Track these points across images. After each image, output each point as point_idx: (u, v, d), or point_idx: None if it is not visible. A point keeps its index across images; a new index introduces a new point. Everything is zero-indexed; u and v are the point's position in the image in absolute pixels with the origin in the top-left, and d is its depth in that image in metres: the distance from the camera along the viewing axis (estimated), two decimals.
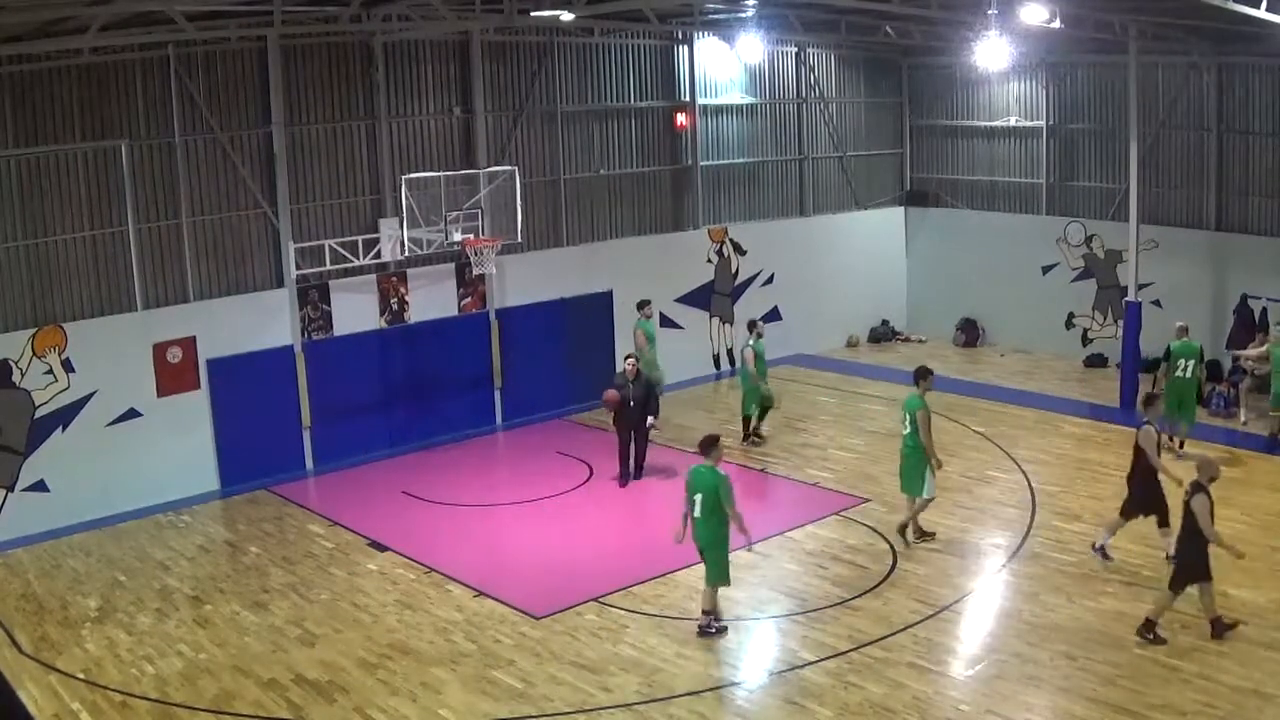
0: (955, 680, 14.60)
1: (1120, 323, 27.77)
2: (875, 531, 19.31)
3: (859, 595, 16.96)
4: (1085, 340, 30.42)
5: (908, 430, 18.60)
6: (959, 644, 15.68)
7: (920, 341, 32.96)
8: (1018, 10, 20.92)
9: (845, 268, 31.94)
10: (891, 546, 18.64)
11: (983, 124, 32.71)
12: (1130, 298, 26.82)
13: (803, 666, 14.98)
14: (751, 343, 24.15)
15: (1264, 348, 24.51)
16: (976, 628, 16.18)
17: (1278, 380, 23.98)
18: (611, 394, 21.64)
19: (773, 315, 30.50)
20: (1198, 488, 15.12)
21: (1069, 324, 29.73)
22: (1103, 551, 17.88)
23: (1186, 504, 15.19)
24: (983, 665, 14.95)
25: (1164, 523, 17.36)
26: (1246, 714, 13.64)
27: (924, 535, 18.91)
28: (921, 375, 18.91)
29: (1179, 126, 28.82)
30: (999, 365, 26.20)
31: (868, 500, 20.76)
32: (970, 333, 32.39)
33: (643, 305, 25.57)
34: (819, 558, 18.45)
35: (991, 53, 22.25)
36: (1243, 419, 24.87)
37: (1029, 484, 21.30)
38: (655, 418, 22.53)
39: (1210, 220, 28.68)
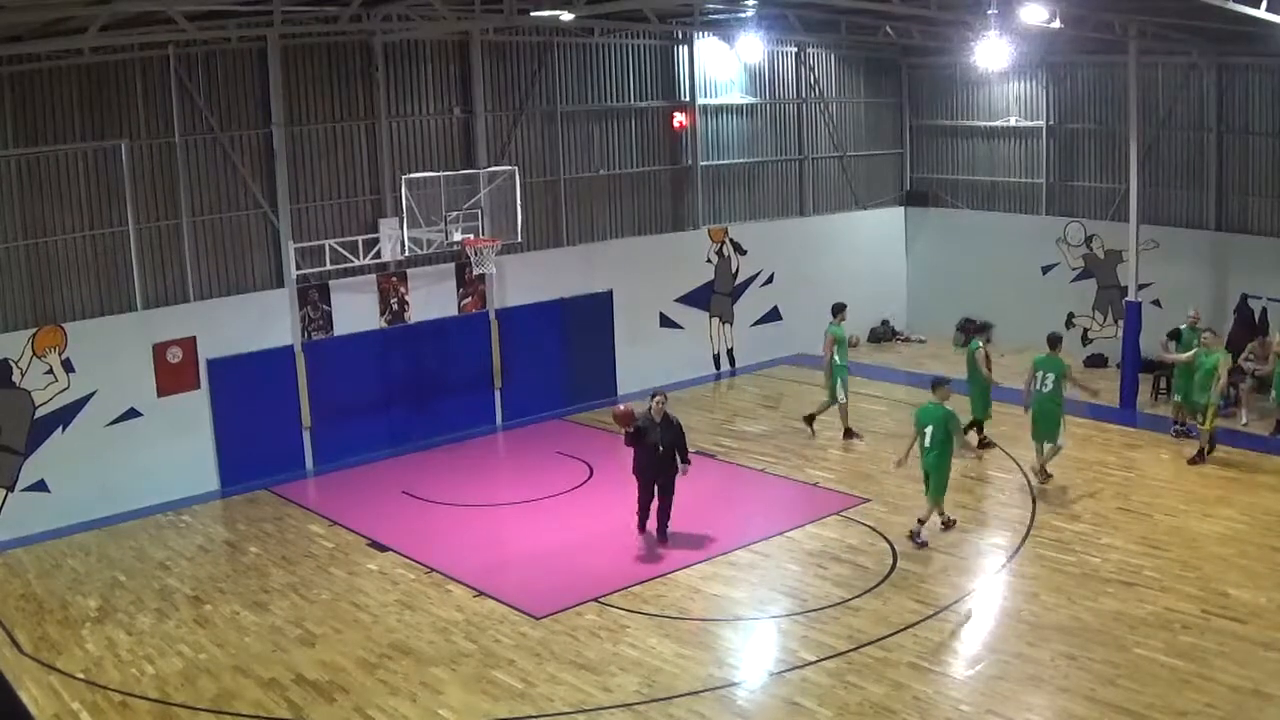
0: (955, 680, 14.59)
1: (1120, 323, 27.78)
2: (875, 531, 19.31)
3: (859, 595, 16.95)
4: (1085, 340, 30.40)
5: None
6: (959, 644, 15.68)
7: (920, 342, 32.95)
8: (1018, 10, 20.93)
9: (845, 268, 31.85)
10: (892, 546, 18.64)
11: (983, 124, 32.72)
12: (1130, 298, 26.83)
13: (803, 666, 14.97)
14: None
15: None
16: (977, 627, 16.18)
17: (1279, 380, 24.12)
18: (621, 409, 19.85)
19: (772, 315, 30.59)
20: None
21: (1069, 324, 29.69)
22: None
23: None
24: (983, 665, 14.95)
25: None
26: (1247, 714, 13.63)
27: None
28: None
29: (1179, 127, 28.82)
30: (999, 365, 26.14)
31: (868, 500, 20.76)
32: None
33: (838, 311, 25.12)
34: (819, 558, 18.43)
35: (991, 53, 22.23)
36: (1243, 419, 24.86)
37: (1029, 484, 21.29)
38: (686, 464, 19.41)
39: (1210, 220, 28.68)
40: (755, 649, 15.97)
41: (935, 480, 19.09)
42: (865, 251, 32.99)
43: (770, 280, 30.89)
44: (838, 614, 16.41)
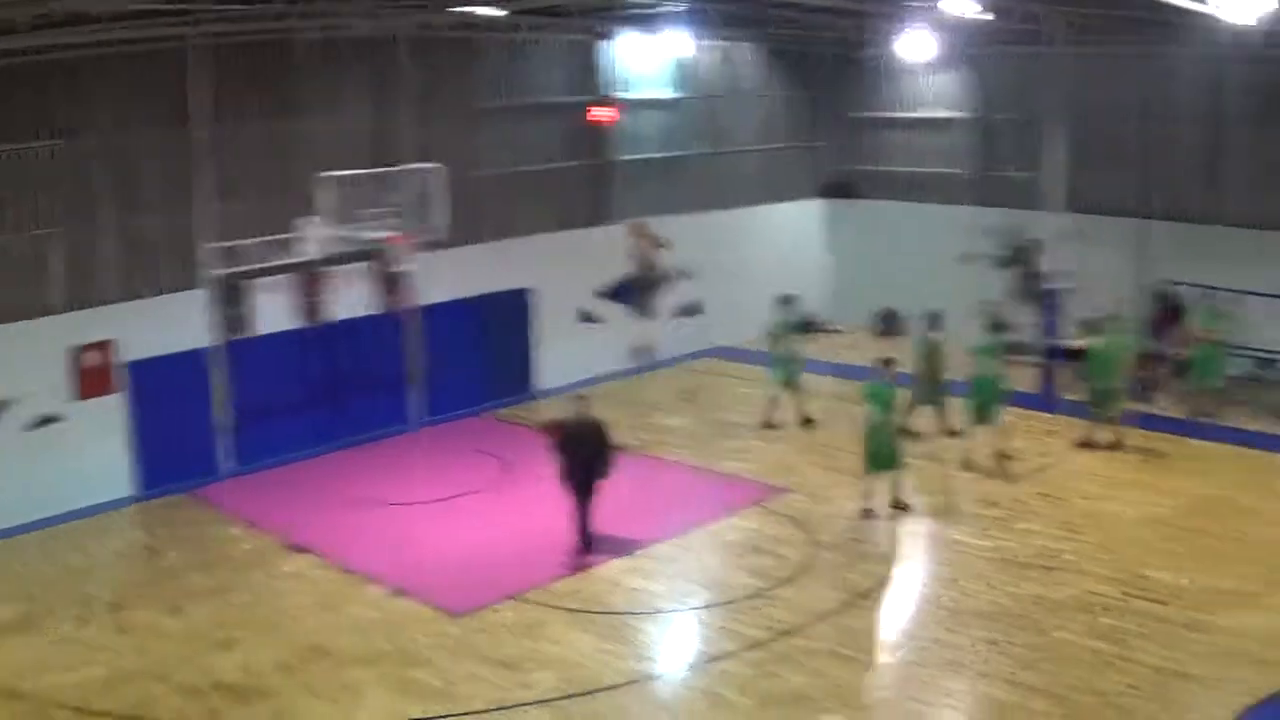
0: (875, 667, 14.76)
1: (1041, 311, 28.04)
2: (795, 521, 19.40)
3: (779, 585, 17.04)
4: (1005, 329, 30.62)
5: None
6: (878, 631, 15.83)
7: (838, 332, 33.03)
8: (942, 2, 21.06)
9: (766, 260, 31.86)
10: (810, 535, 18.74)
11: (906, 115, 32.95)
12: (1051, 285, 27.13)
13: (724, 658, 15.02)
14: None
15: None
16: (897, 614, 16.35)
17: (1201, 365, 24.55)
18: (546, 419, 19.90)
19: (694, 309, 30.60)
20: None
21: (985, 313, 29.94)
22: None
23: None
24: (902, 652, 15.11)
25: None
26: (1169, 694, 13.87)
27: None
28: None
29: (1102, 115, 29.15)
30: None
31: (787, 490, 20.85)
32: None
33: (787, 302, 25.75)
34: (739, 549, 18.52)
35: (916, 45, 22.40)
36: (1161, 404, 25.22)
37: (947, 470, 21.49)
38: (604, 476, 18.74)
39: (1132, 207, 29.06)
40: (676, 641, 16.03)
41: (880, 455, 19.85)
42: (786, 244, 33.04)
43: (691, 274, 30.89)
44: (758, 604, 16.48)
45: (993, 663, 14.62)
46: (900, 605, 16.65)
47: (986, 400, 22.37)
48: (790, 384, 24.72)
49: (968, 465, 21.81)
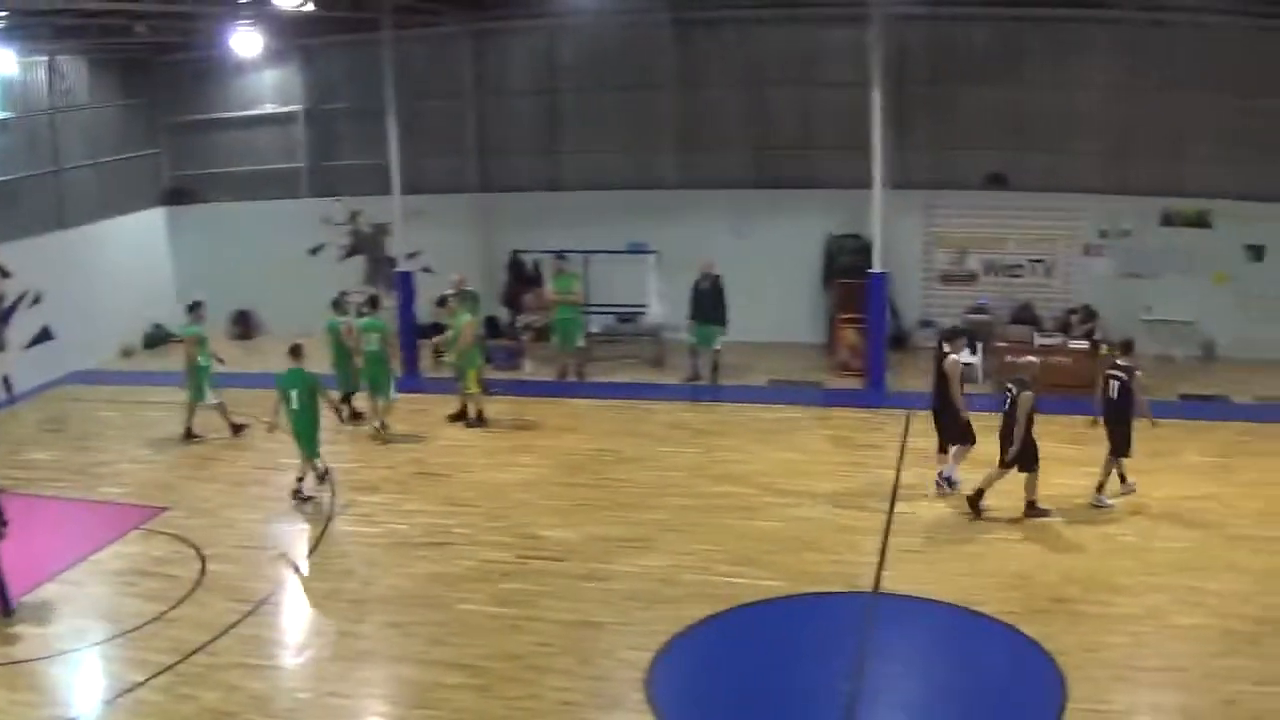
0: (288, 671, 14.80)
1: (394, 293, 28.83)
2: (180, 539, 18.88)
3: (175, 606, 16.55)
4: (361, 314, 31.15)
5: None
6: (284, 635, 15.88)
7: None
8: None
9: (111, 276, 30.71)
10: (199, 551, 18.32)
11: (239, 114, 32.75)
12: (401, 268, 27.96)
13: (133, 689, 14.43)
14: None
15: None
16: (299, 615, 16.46)
17: (561, 327, 26.16)
18: None
19: (45, 335, 29.11)
20: (1024, 385, 17.62)
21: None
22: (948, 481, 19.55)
23: (1014, 399, 17.68)
24: (312, 651, 15.24)
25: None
26: (582, 645, 14.75)
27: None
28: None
29: (438, 95, 30.26)
30: (278, 354, 26.24)
31: (166, 509, 20.26)
32: (245, 324, 32.61)
33: (195, 308, 24.85)
34: (127, 576, 17.75)
35: (245, 41, 22.26)
36: (528, 369, 26.67)
37: (324, 466, 21.34)
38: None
39: (474, 183, 30.42)
40: (85, 681, 15.29)
41: (306, 440, 20.03)
42: (129, 257, 31.91)
43: (38, 300, 29.27)
44: (157, 629, 15.92)
45: (402, 645, 15.02)
46: (302, 605, 16.74)
47: (376, 377, 23.34)
48: (200, 393, 24.09)
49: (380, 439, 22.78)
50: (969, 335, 23.24)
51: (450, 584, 16.65)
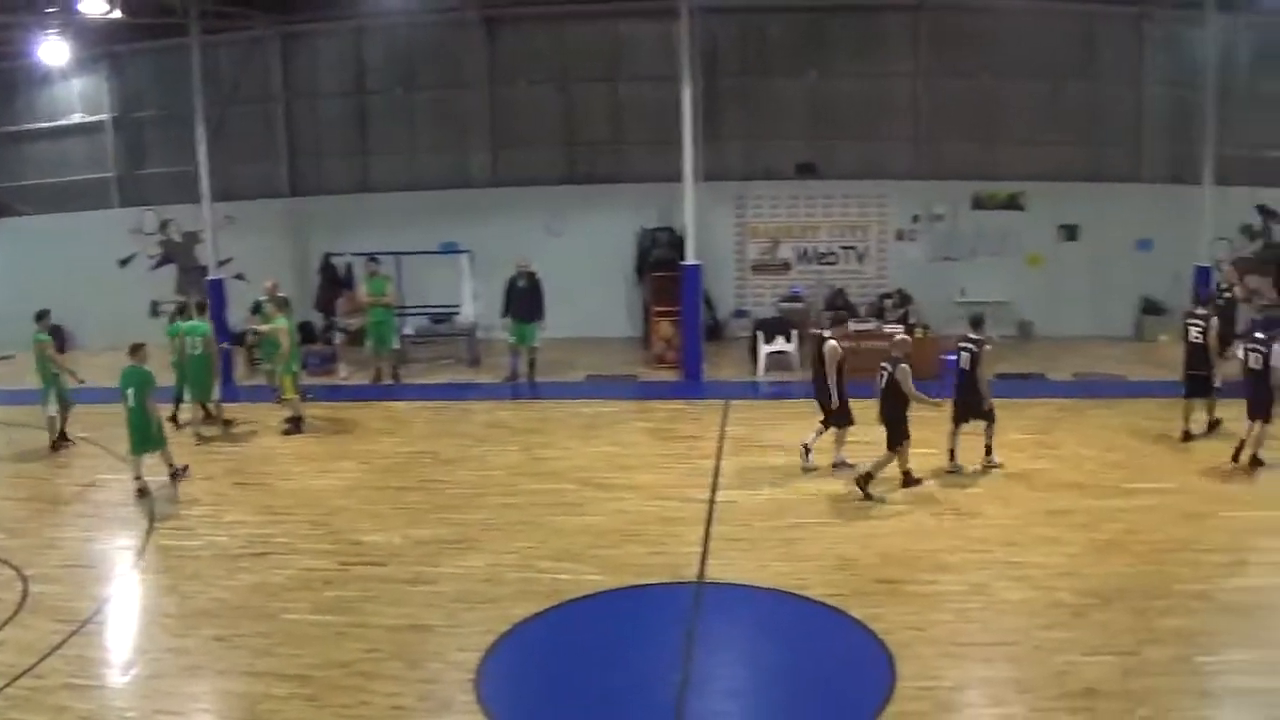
0: (115, 690, 14.63)
1: (206, 302, 28.49)
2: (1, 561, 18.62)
3: None
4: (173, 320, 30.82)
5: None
6: (110, 654, 15.69)
7: (8, 357, 31.69)
8: (74, 3, 20.71)
9: None
10: (19, 571, 17.98)
11: (45, 125, 32.10)
12: (212, 276, 27.71)
13: None
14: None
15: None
16: (124, 632, 16.32)
17: (375, 330, 26.20)
18: None
19: None
20: (898, 361, 18.27)
21: (154, 312, 30.12)
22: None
23: (891, 374, 18.34)
24: (137, 669, 15.10)
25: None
26: (410, 649, 14.83)
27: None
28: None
29: (247, 100, 29.98)
30: (92, 368, 25.80)
31: None
32: (57, 339, 31.84)
33: (43, 316, 24.18)
34: None
35: (52, 50, 21.86)
36: (343, 374, 26.63)
37: (148, 484, 21.06)
38: None
39: (285, 187, 30.20)
40: None
41: (137, 437, 20.38)
42: None
43: None
44: None
45: (227, 658, 14.94)
46: (126, 622, 16.60)
47: (200, 379, 23.76)
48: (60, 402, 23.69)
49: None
50: (850, 318, 24.08)
51: (273, 594, 16.66)
